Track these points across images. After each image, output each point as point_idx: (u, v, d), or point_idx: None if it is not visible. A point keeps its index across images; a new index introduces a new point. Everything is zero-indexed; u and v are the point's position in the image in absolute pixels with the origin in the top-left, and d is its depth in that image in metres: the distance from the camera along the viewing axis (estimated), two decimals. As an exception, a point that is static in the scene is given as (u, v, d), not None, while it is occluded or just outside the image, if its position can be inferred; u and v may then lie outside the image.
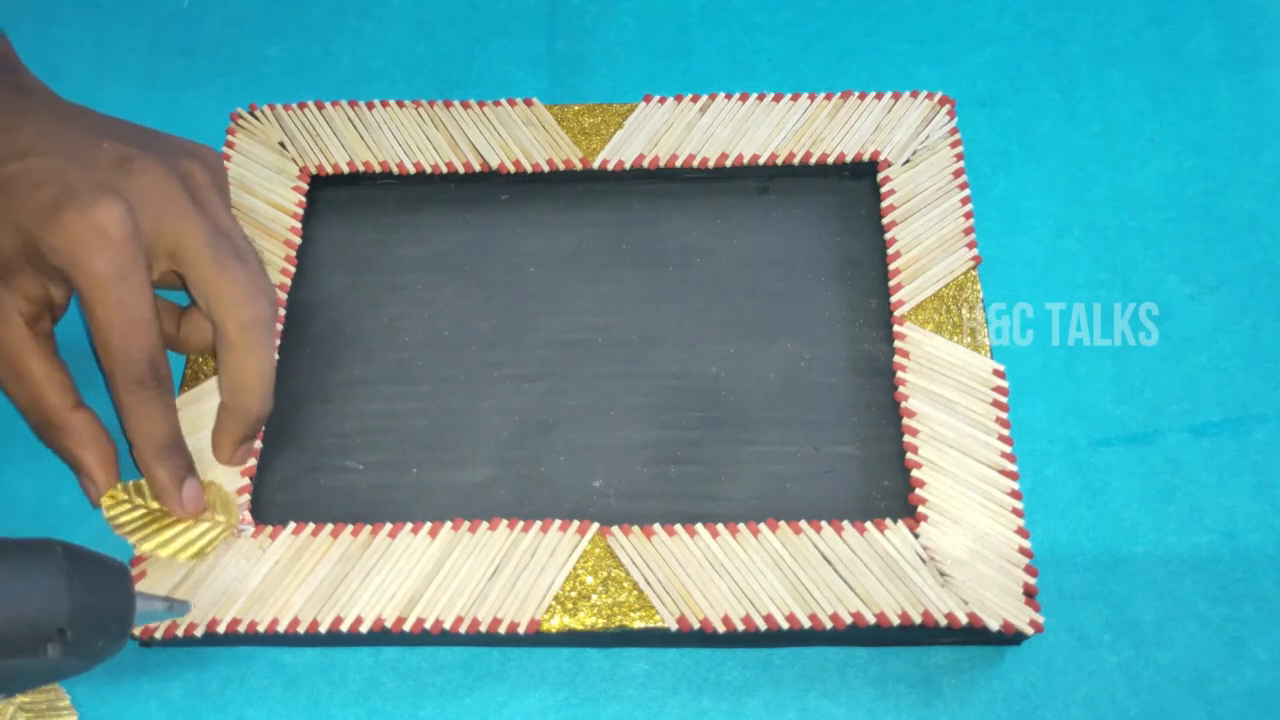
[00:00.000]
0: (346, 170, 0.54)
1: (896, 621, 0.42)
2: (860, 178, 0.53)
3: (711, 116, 0.54)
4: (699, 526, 0.44)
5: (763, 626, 0.42)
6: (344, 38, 0.60)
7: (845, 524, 0.44)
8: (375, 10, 0.61)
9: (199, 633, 0.43)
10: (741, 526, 0.44)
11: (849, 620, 0.42)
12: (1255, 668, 0.43)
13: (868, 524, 0.44)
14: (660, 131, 0.54)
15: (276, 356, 0.48)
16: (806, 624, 0.42)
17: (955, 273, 0.50)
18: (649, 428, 0.48)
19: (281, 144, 0.54)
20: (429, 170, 0.53)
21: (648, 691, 0.43)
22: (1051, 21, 0.59)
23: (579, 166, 0.53)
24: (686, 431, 0.48)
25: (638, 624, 0.43)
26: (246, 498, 0.46)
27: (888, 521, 0.44)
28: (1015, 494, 0.45)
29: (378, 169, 0.53)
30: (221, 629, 0.43)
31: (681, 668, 0.44)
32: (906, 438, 0.46)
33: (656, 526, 0.45)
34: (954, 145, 0.53)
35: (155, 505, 0.44)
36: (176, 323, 0.48)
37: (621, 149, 0.54)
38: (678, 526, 0.45)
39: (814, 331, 0.50)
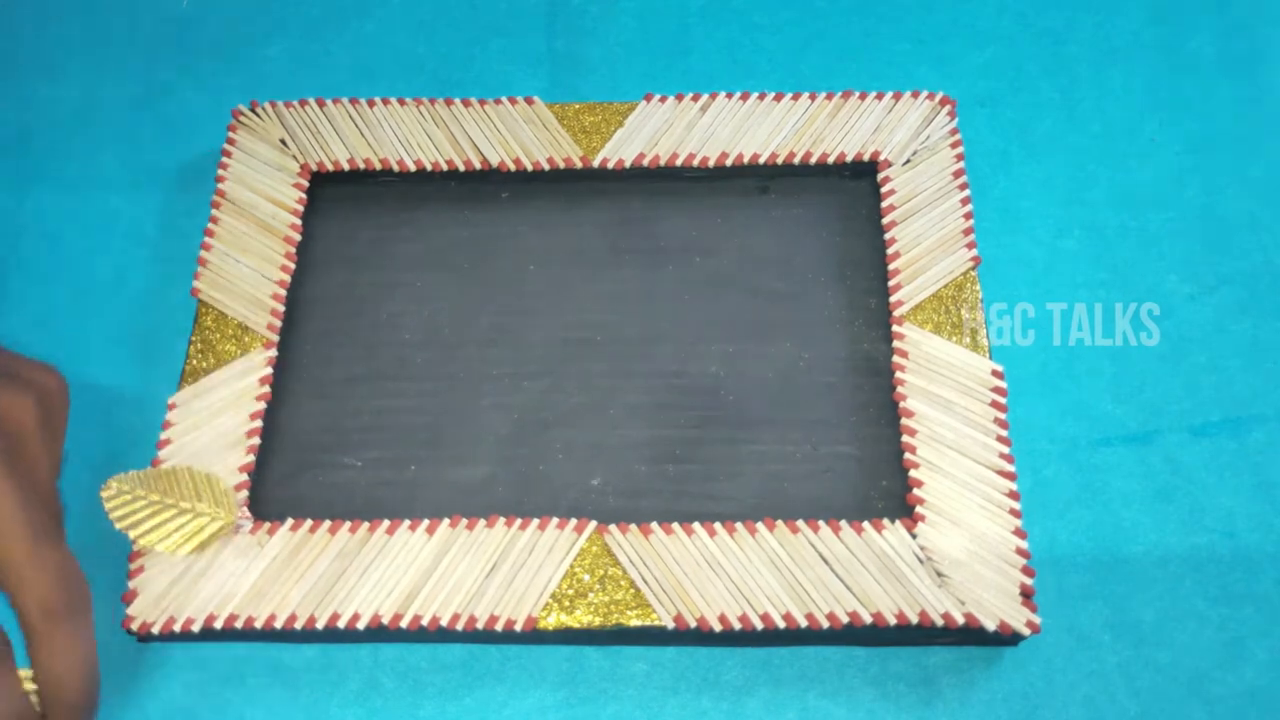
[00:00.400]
0: (347, 167, 0.54)
1: (893, 622, 0.42)
2: (860, 178, 0.53)
3: (712, 116, 0.54)
4: (697, 525, 0.44)
5: (760, 626, 0.42)
6: (344, 38, 0.61)
7: (843, 524, 0.44)
8: (375, 10, 0.61)
9: (196, 628, 0.43)
10: (739, 526, 0.44)
11: (846, 620, 0.42)
12: (1254, 668, 0.43)
13: (865, 524, 0.44)
14: (660, 131, 0.54)
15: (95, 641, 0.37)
16: (803, 624, 0.42)
17: (955, 273, 0.50)
18: (648, 426, 0.48)
19: (282, 141, 0.54)
20: (429, 168, 0.53)
21: (647, 691, 0.43)
22: (1051, 21, 0.59)
23: (579, 165, 0.53)
24: (685, 430, 0.48)
25: (634, 622, 0.43)
26: (245, 494, 0.46)
27: (885, 521, 0.44)
28: (1013, 495, 0.45)
29: (378, 166, 0.53)
30: (219, 625, 0.43)
31: (681, 667, 0.44)
32: (905, 438, 0.46)
33: (654, 525, 0.45)
34: (954, 145, 0.53)
35: (155, 498, 0.44)
36: None
37: (622, 148, 0.54)
38: (675, 525, 0.45)
39: (813, 331, 0.50)
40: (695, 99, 0.55)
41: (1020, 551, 0.43)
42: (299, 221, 0.52)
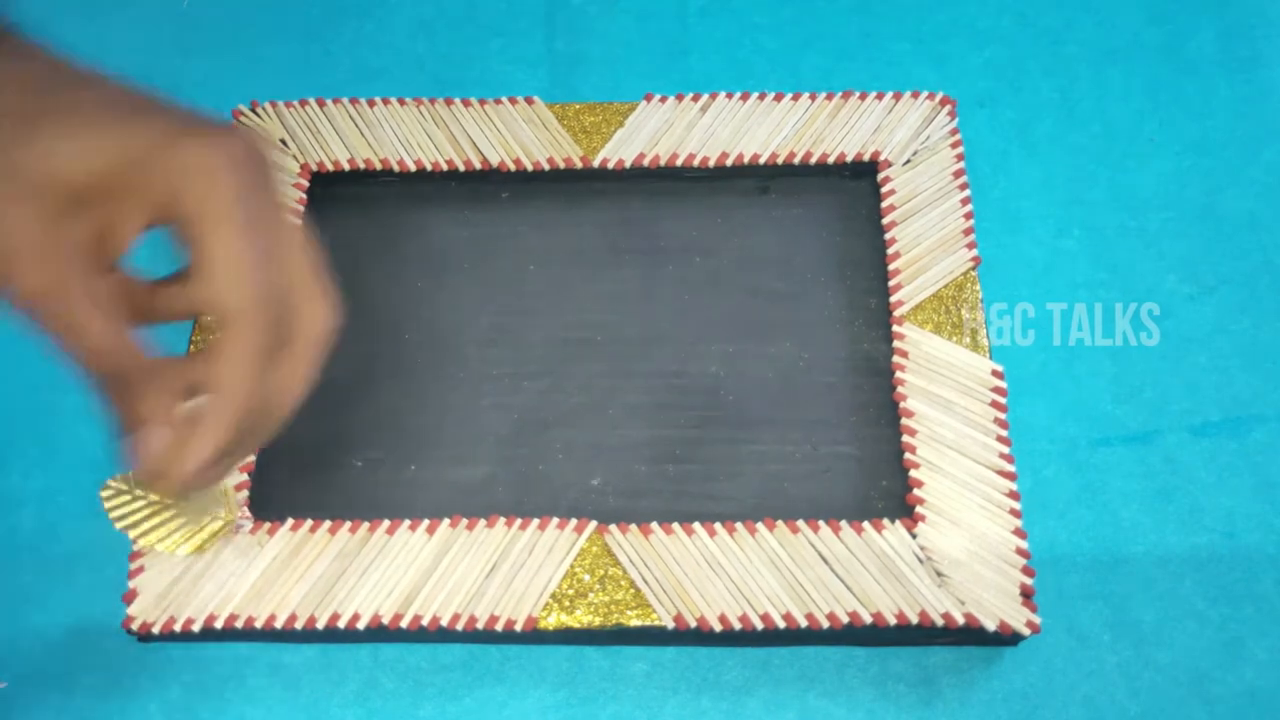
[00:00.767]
0: (347, 167, 0.54)
1: (893, 621, 0.42)
2: (860, 178, 0.53)
3: (712, 116, 0.54)
4: (697, 525, 0.44)
5: (760, 626, 0.42)
6: (344, 38, 0.61)
7: (843, 524, 0.44)
8: (375, 10, 0.61)
9: (196, 628, 0.43)
10: (739, 525, 0.44)
11: (845, 620, 0.42)
12: (1254, 668, 0.43)
13: (865, 524, 0.44)
14: (660, 131, 0.54)
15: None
16: (803, 624, 0.42)
17: (955, 273, 0.50)
18: (648, 426, 0.48)
19: (283, 141, 0.54)
20: (429, 168, 0.53)
21: (647, 691, 0.43)
22: (1051, 21, 0.59)
23: (579, 165, 0.53)
24: (685, 430, 0.48)
25: (634, 622, 0.43)
26: (245, 493, 0.46)
27: (885, 521, 0.44)
28: (1013, 495, 0.45)
29: (378, 166, 0.53)
30: (219, 624, 0.43)
31: (681, 667, 0.44)
32: (905, 438, 0.46)
33: (654, 525, 0.45)
34: (954, 145, 0.53)
35: (155, 498, 0.44)
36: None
37: (622, 148, 0.54)
38: (675, 525, 0.45)
39: (813, 331, 0.50)
40: (695, 99, 0.55)
41: (1020, 551, 0.43)
42: (299, 221, 0.52)
